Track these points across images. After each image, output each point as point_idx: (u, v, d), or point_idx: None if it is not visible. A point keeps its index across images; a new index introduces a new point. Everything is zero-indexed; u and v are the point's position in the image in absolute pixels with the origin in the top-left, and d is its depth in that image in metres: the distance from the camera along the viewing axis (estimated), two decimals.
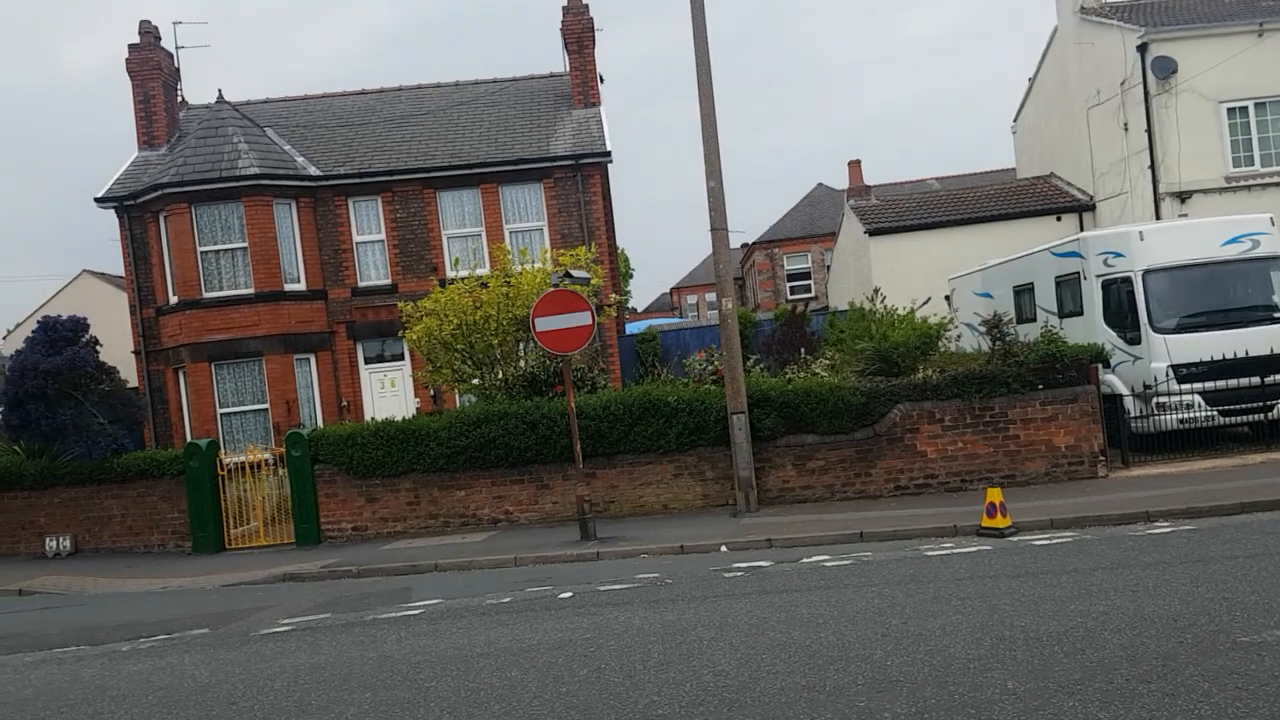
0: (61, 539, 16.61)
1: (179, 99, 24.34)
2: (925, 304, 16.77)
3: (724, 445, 14.14)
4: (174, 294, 20.74)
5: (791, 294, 42.11)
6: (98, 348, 17.20)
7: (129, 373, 20.24)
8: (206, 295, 20.37)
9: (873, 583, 8.49)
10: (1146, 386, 14.51)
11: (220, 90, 23.16)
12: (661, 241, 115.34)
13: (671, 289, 65.10)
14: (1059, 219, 25.07)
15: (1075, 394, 13.80)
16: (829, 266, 36.77)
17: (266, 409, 20.38)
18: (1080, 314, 16.10)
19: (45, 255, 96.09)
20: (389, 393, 21.65)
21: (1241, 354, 14.07)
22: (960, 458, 13.93)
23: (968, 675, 5.43)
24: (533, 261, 17.34)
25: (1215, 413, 14.31)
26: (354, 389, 21.48)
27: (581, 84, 23.40)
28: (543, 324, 12.87)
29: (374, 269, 21.76)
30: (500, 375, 15.98)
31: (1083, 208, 25.18)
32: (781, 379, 15.26)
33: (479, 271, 18.13)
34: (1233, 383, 14.12)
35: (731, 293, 14.44)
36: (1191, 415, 14.29)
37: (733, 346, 13.93)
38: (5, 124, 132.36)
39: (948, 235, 25.33)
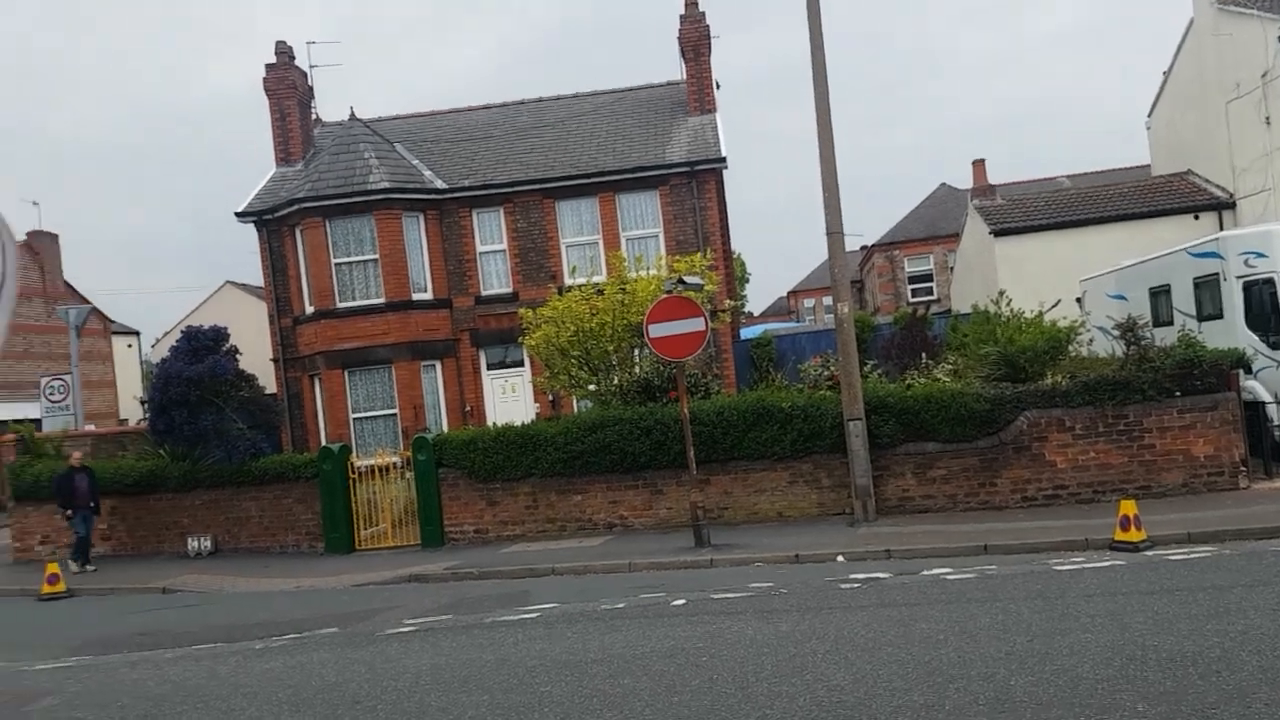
0: (202, 539, 17.52)
1: (313, 117, 25.39)
2: (1054, 306, 16.13)
3: (840, 452, 13.93)
4: (310, 304, 21.67)
5: (912, 297, 41.18)
6: (237, 356, 18.07)
7: (268, 380, 21.21)
8: (340, 305, 21.21)
9: (997, 598, 8.22)
10: None
11: (352, 108, 24.13)
12: (778, 245, 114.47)
13: (788, 293, 64.51)
14: (1197, 217, 23.81)
15: (1215, 401, 13.07)
16: (952, 268, 35.82)
17: (395, 414, 21.08)
18: (1220, 317, 15.24)
19: (194, 268, 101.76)
20: (510, 398, 22.11)
21: None
22: (1092, 468, 13.36)
23: (1096, 696, 5.20)
24: (648, 268, 17.46)
25: None
26: (477, 394, 22.02)
27: (697, 91, 23.44)
28: (656, 330, 12.93)
29: (496, 278, 22.28)
30: (615, 381, 16.13)
31: (1222, 205, 23.83)
32: (901, 384, 14.93)
33: (595, 279, 18.35)
34: None
35: (848, 297, 14.21)
36: None
37: (849, 351, 13.71)
38: (156, 144, 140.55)
39: (1078, 235, 24.34)
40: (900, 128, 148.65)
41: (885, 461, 13.97)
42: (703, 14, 23.42)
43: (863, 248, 46.51)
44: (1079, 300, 20.82)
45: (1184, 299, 16.45)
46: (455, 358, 21.95)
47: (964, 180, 38.54)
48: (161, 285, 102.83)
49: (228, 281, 50.81)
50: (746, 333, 28.06)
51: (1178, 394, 13.13)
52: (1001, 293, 17.16)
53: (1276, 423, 13.78)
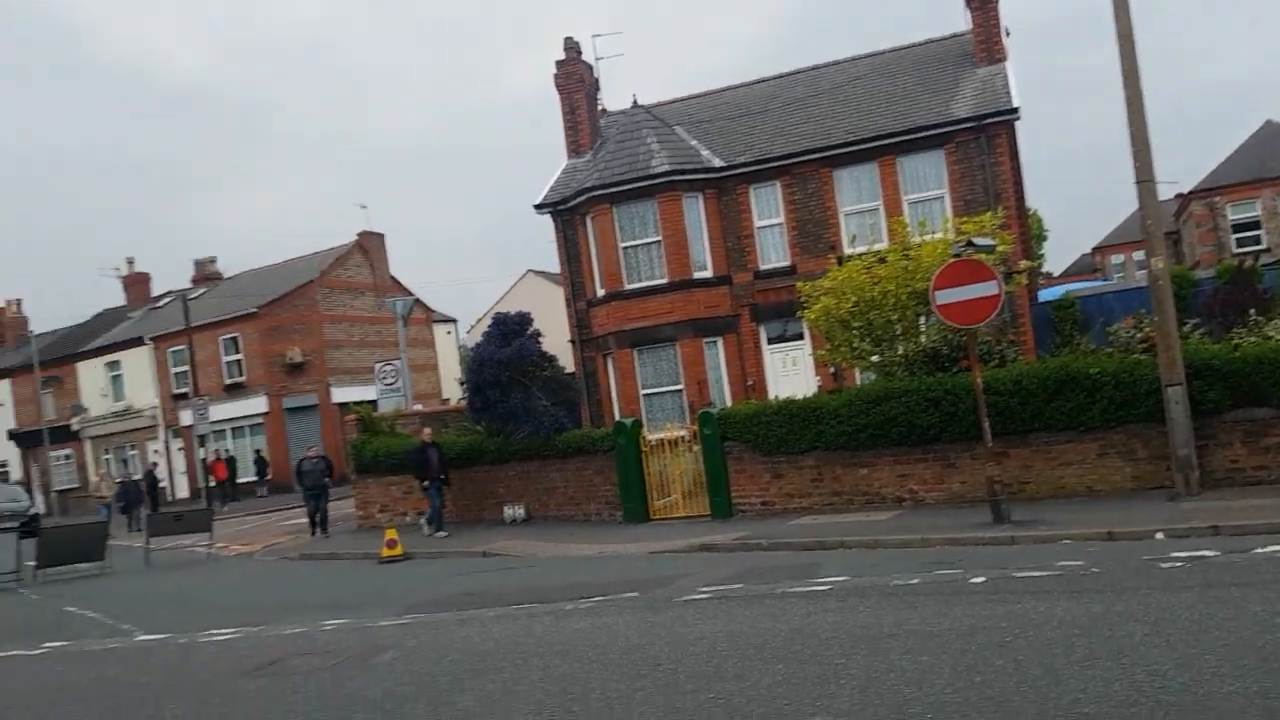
0: (516, 507, 18.96)
1: (599, 107, 26.49)
2: None
3: (1157, 421, 12.79)
4: (600, 287, 22.77)
5: (1237, 247, 36.76)
6: (540, 338, 19.33)
7: (566, 359, 22.54)
8: (628, 287, 22.13)
9: None
10: None
11: (634, 96, 24.95)
12: (1079, 198, 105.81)
13: (1093, 249, 59.62)
14: None
15: None
16: None
17: (681, 389, 21.75)
18: None
19: (501, 257, 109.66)
20: (790, 371, 22.13)
21: None
22: None
23: None
24: (932, 232, 16.81)
25: None
26: (758, 369, 22.23)
27: (984, 40, 22.17)
28: (944, 296, 12.45)
29: (774, 252, 22.33)
30: (900, 351, 15.71)
31: None
32: (1226, 345, 13.48)
33: (876, 247, 17.93)
34: None
35: (1163, 250, 12.99)
36: None
37: (1165, 310, 12.54)
38: (464, 143, 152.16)
39: None
40: (1218, 60, 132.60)
41: (1210, 430, 12.69)
42: None
43: (1177, 196, 42.07)
44: None
45: None
46: (736, 333, 22.26)
47: None
48: (472, 276, 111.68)
49: (529, 270, 54.32)
50: (1045, 294, 26.28)
51: None
52: None
53: None
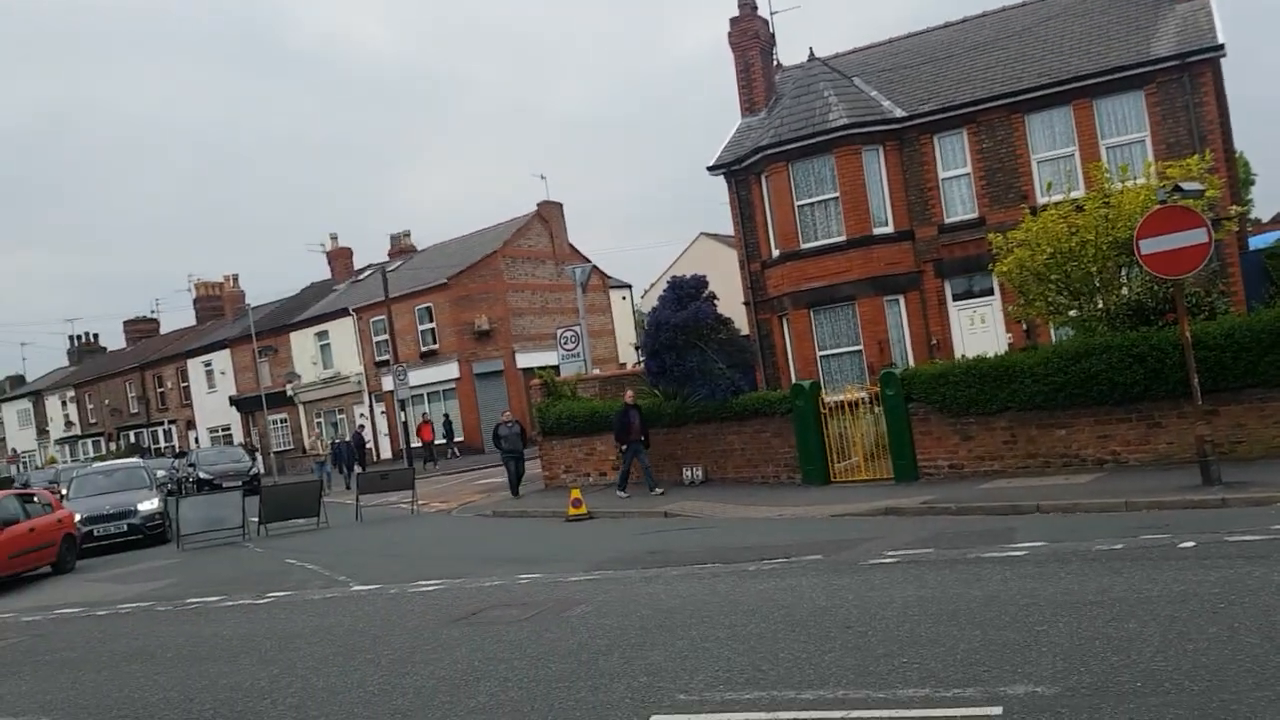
0: (694, 469, 19.19)
1: (775, 63, 26.07)
2: None
3: None
4: (775, 248, 22.56)
5: None
6: (715, 301, 19.37)
7: (740, 322, 22.52)
8: (804, 246, 21.82)
9: None
10: None
11: (811, 48, 24.44)
12: None
13: None
14: None
15: None
16: None
17: (860, 350, 21.34)
18: None
19: (672, 221, 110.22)
20: (978, 329, 21.31)
21: None
22: None
23: None
24: (1134, 178, 15.76)
25: None
26: (943, 327, 21.52)
27: None
28: (1149, 246, 11.68)
29: (960, 204, 21.48)
30: (1100, 305, 14.86)
31: None
32: None
33: (1073, 195, 16.96)
34: None
35: None
36: None
37: None
38: (636, 109, 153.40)
39: None
40: None
41: None
42: None
43: None
44: None
45: None
46: (919, 290, 21.59)
47: None
48: (646, 241, 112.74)
49: (701, 233, 54.38)
50: (1258, 241, 24.21)
51: None
52: None
53: None
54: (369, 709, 6.26)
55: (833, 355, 21.74)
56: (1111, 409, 13.86)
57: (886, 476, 16.08)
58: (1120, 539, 9.09)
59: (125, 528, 20.49)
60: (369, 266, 49.29)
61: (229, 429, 51.43)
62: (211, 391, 52.03)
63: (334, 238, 51.58)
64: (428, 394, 40.74)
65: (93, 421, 60.92)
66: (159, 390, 56.21)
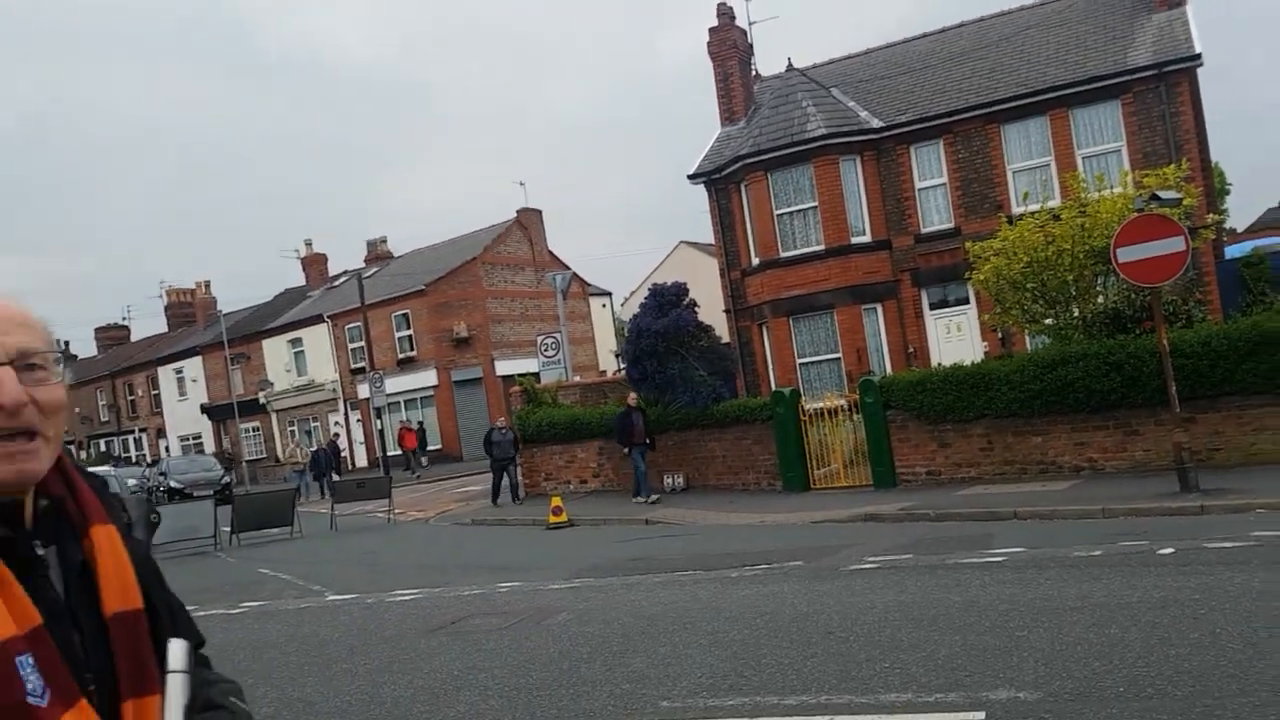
0: (676, 476, 19.15)
1: (753, 73, 26.16)
2: None
3: None
4: (755, 256, 22.60)
5: None
6: (696, 309, 19.36)
7: (720, 329, 22.53)
8: (783, 254, 21.87)
9: None
10: None
11: (789, 59, 24.52)
12: (1264, 149, 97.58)
13: None
14: None
15: None
16: None
17: (839, 358, 21.39)
18: None
19: (655, 229, 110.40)
20: (954, 337, 21.43)
21: None
22: None
23: None
24: (1110, 187, 15.90)
25: None
26: (920, 335, 21.62)
27: None
28: (1126, 254, 11.76)
29: (936, 213, 21.62)
30: (1076, 313, 14.97)
31: None
32: None
33: (1049, 204, 17.09)
34: None
35: None
36: None
37: None
38: (619, 116, 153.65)
39: None
40: None
41: None
42: None
43: None
44: None
45: None
46: (896, 299, 21.70)
47: None
48: (626, 248, 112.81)
49: (682, 241, 54.43)
50: (1234, 250, 24.49)
51: None
52: None
53: None
54: (347, 719, 6.17)
55: (812, 363, 21.79)
56: (1088, 416, 13.95)
57: (865, 483, 16.10)
58: (1099, 545, 9.12)
59: None
60: (345, 273, 48.98)
61: (200, 437, 50.92)
62: (183, 399, 51.50)
63: (309, 244, 51.22)
64: (405, 401, 40.48)
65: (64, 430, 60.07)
66: (129, 398, 55.60)
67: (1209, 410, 13.03)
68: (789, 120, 22.01)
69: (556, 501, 17.22)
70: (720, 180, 23.23)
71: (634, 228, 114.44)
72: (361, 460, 42.38)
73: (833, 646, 6.47)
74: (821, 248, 21.51)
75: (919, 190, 21.67)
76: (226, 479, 34.30)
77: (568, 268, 40.97)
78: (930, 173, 21.61)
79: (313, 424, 44.59)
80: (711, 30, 24.86)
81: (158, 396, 53.31)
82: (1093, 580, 7.64)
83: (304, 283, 51.53)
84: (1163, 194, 12.23)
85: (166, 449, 51.37)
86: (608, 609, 8.78)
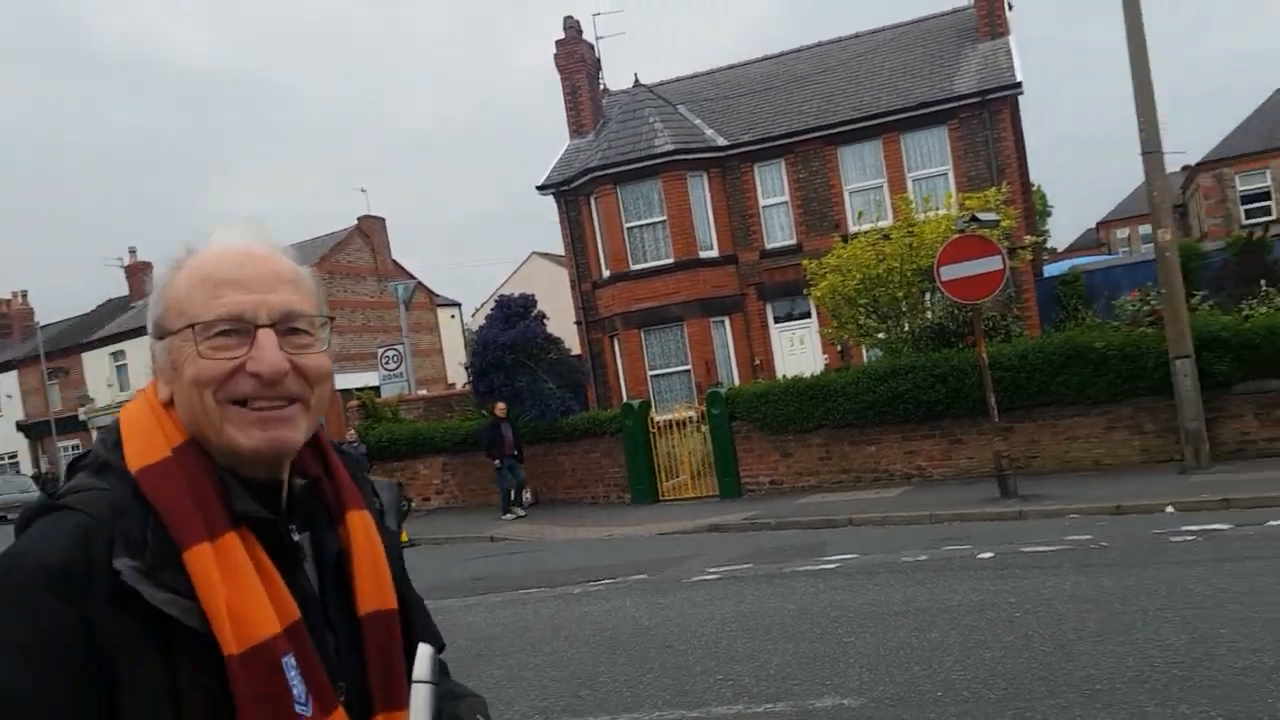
0: (524, 491, 18.92)
1: (601, 87, 26.27)
2: None
3: (1165, 395, 12.71)
4: (605, 268, 22.67)
5: (1247, 218, 36.44)
6: (545, 320, 19.23)
7: (571, 341, 22.46)
8: (633, 267, 22.02)
9: None
10: None
11: (636, 75, 24.75)
12: (1085, 175, 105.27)
13: (1097, 224, 59.32)
14: None
15: None
16: None
17: (689, 370, 21.68)
18: None
19: (510, 240, 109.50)
20: (798, 350, 22.05)
21: None
22: None
23: None
24: (936, 209, 16.71)
25: None
26: (765, 348, 22.14)
27: (987, 14, 21.93)
28: (948, 272, 12.36)
29: (779, 230, 22.19)
30: (906, 328, 15.64)
31: None
32: (1236, 316, 13.38)
33: (881, 224, 17.83)
34: None
35: (1170, 222, 12.90)
36: None
37: (1173, 282, 12.45)
38: (473, 130, 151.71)
39: None
40: (1229, 29, 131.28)
41: (1220, 403, 12.61)
42: None
43: (1184, 168, 41.78)
44: None
45: None
46: (743, 312, 22.17)
47: None
48: (478, 259, 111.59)
49: (534, 252, 54.11)
50: (1052, 269, 26.15)
51: None
52: None
53: None
54: None
55: (663, 375, 21.98)
56: (917, 426, 14.56)
57: (713, 493, 16.33)
58: (925, 550, 9.50)
59: None
60: None
61: (15, 457, 47.31)
62: None
63: (133, 252, 48.26)
64: None
65: None
66: None
67: (1026, 420, 13.81)
68: (637, 135, 22.21)
69: None
70: (570, 192, 23.21)
71: (488, 238, 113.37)
72: None
73: (670, 661, 6.47)
74: (671, 261, 21.76)
75: (763, 207, 22.22)
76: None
77: (413, 277, 40.15)
78: (773, 191, 22.20)
79: None
80: (559, 43, 24.85)
81: None
82: (918, 585, 7.93)
83: (128, 294, 48.63)
84: (982, 216, 12.92)
85: None
86: (444, 633, 8.50)
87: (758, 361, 21.96)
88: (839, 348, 20.52)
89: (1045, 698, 4.91)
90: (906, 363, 14.52)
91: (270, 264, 1.23)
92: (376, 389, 24.58)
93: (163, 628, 1.08)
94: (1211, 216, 38.33)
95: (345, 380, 37.77)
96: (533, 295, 19.48)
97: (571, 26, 24.95)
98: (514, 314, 18.77)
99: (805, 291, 17.76)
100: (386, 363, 25.00)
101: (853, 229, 19.82)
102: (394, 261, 42.88)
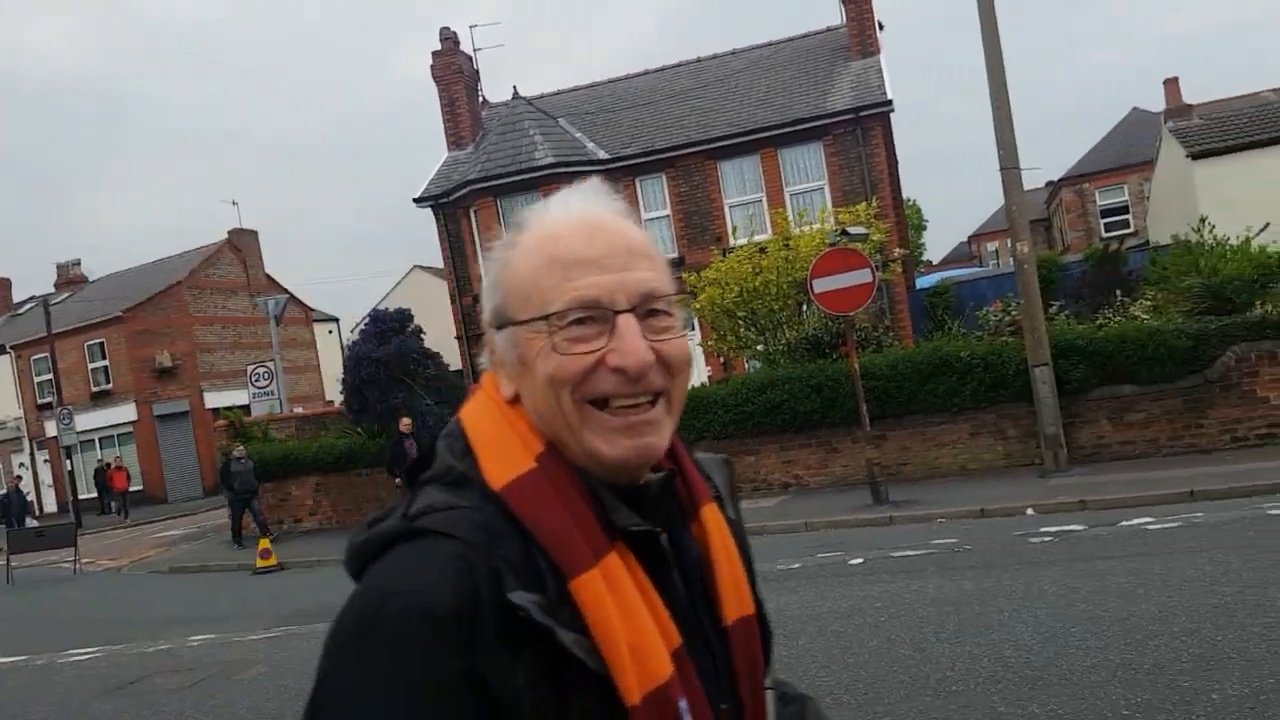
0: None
1: (480, 99, 25.99)
2: (1263, 231, 14.73)
3: (1026, 401, 13.22)
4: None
5: (1106, 232, 38.49)
6: (421, 335, 18.86)
7: (453, 357, 22.08)
8: None
9: (1203, 547, 7.62)
10: None
11: (515, 87, 24.61)
12: (958, 189, 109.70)
13: (969, 237, 61.77)
14: None
15: None
16: (1148, 198, 33.29)
17: None
18: None
19: (391, 253, 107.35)
20: None
21: None
22: None
23: None
24: (810, 223, 17.06)
25: None
26: None
27: (859, 34, 22.57)
28: (821, 285, 12.59)
29: (662, 243, 22.29)
30: (783, 339, 15.89)
31: None
32: (1091, 325, 14.03)
33: (759, 238, 18.09)
34: None
35: (1027, 235, 13.43)
36: None
37: (1031, 293, 12.95)
38: (351, 139, 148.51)
39: None
40: (1089, 52, 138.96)
41: (1076, 408, 13.17)
42: None
43: (1048, 183, 43.88)
44: None
45: None
46: None
47: (1157, 103, 35.64)
48: (358, 273, 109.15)
49: (415, 265, 53.12)
50: (923, 281, 27.05)
51: None
52: (1203, 220, 15.84)
53: None
54: None
55: None
56: (794, 435, 14.77)
57: None
58: (799, 558, 9.60)
59: None
60: (31, 299, 43.98)
61: None
62: None
63: None
64: (100, 439, 36.67)
65: None
66: None
67: (897, 428, 14.16)
68: (517, 148, 22.04)
69: (265, 544, 16.08)
70: (449, 205, 22.85)
71: (369, 251, 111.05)
72: (51, 505, 38.03)
73: None
74: None
75: (645, 221, 22.27)
76: None
77: (286, 291, 38.87)
78: (655, 204, 22.32)
79: None
80: (435, 54, 24.51)
81: None
82: (790, 593, 7.99)
83: None
84: (852, 230, 13.23)
85: None
86: (308, 660, 8.15)
87: None
88: (721, 359, 20.72)
89: (903, 700, 4.97)
90: (783, 374, 14.73)
91: (622, 236, 1.08)
92: (246, 408, 23.65)
93: (554, 671, 0.92)
94: (1074, 230, 40.33)
95: (216, 399, 36.42)
96: (408, 310, 19.10)
97: (448, 38, 24.65)
98: (388, 329, 18.36)
99: (686, 304, 17.85)
100: (257, 380, 24.12)
101: (734, 242, 20.07)
102: (268, 276, 41.48)
